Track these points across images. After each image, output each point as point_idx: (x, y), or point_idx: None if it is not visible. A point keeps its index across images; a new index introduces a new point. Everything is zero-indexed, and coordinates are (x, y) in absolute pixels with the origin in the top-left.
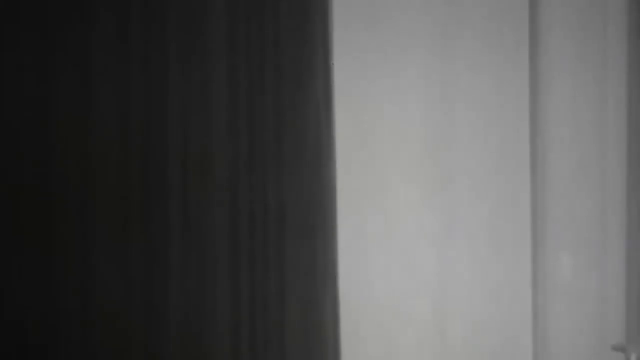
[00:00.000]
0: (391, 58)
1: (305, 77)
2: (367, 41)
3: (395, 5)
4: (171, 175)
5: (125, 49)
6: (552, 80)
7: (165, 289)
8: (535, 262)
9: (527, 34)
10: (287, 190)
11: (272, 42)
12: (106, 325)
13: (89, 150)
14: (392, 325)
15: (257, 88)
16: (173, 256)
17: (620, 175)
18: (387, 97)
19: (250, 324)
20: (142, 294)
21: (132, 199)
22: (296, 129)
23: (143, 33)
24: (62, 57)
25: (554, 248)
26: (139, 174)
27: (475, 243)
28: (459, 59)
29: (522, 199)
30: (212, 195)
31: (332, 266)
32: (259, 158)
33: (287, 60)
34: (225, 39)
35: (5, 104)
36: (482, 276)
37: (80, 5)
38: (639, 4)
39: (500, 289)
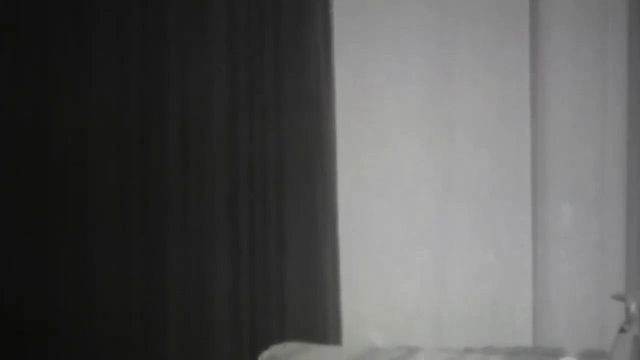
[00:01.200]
0: (391, 7)
1: (304, 27)
2: None
3: None
4: (170, 128)
5: None
6: (553, 29)
7: (165, 231)
8: (535, 212)
9: None
10: (286, 141)
11: None
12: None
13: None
14: (392, 274)
15: (255, 39)
16: (172, 206)
17: (620, 125)
18: (387, 47)
19: (250, 275)
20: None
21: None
22: (295, 78)
23: None
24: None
25: (553, 197)
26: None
27: (475, 192)
28: (459, 8)
29: (522, 148)
30: (211, 147)
31: (332, 216)
32: (257, 108)
33: (286, 5)
34: None
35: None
36: (482, 225)
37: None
38: None
39: (500, 238)
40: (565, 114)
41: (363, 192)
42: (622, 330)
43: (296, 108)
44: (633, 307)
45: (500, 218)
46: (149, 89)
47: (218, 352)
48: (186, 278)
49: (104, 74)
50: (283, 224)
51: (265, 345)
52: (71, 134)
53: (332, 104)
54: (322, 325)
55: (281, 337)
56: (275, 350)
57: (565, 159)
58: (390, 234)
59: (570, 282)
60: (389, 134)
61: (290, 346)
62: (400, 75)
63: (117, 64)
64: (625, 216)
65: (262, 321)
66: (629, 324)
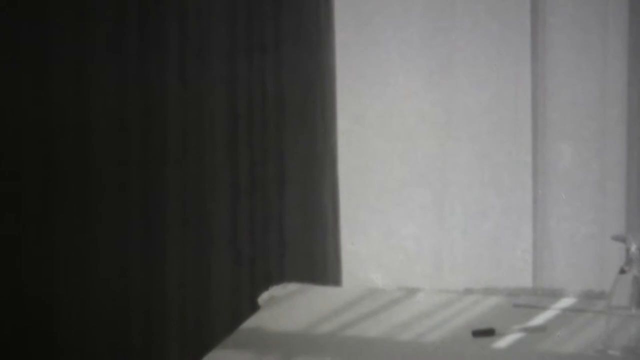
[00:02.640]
0: None
1: None
2: None
3: None
4: (170, 65)
5: None
6: None
7: (163, 168)
8: (535, 151)
9: None
10: (285, 77)
11: None
12: None
13: None
14: (392, 215)
15: None
16: (171, 144)
17: (621, 64)
18: None
19: (249, 215)
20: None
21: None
22: (295, 14)
23: None
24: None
25: (554, 137)
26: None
27: (476, 131)
28: None
29: (522, 87)
30: (210, 86)
31: (331, 153)
32: (257, 44)
33: None
34: None
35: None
36: (482, 165)
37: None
38: None
39: (500, 178)
40: (566, 53)
41: (363, 131)
42: (622, 271)
43: (296, 45)
44: (633, 248)
45: (500, 158)
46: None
47: (217, 293)
48: (185, 218)
49: None
50: (283, 163)
51: (265, 286)
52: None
53: (331, 41)
54: (322, 266)
55: (281, 278)
56: (275, 290)
57: (565, 98)
58: (390, 174)
59: (571, 222)
60: (388, 72)
61: (290, 287)
62: (400, 13)
63: None
64: (625, 156)
65: (262, 262)
66: (629, 264)
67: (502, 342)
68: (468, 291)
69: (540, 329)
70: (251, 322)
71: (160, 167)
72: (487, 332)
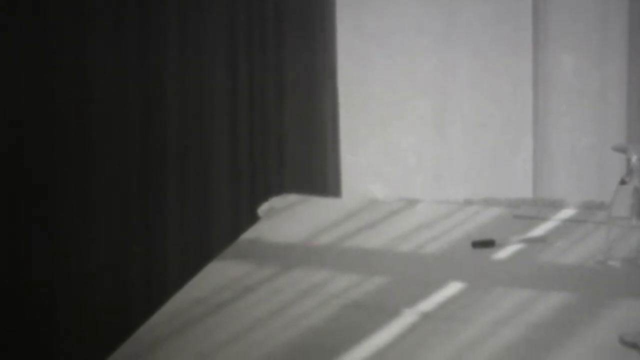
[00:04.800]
0: None
1: None
2: None
3: None
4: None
5: None
6: None
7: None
8: (536, 62)
9: None
10: None
11: None
12: None
13: None
14: (392, 126)
15: None
16: (170, 54)
17: None
18: None
19: (249, 126)
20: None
21: None
22: None
23: None
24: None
25: (555, 47)
26: None
27: (476, 42)
28: None
29: None
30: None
31: (331, 65)
32: None
33: None
34: None
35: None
36: (482, 76)
37: None
38: None
39: (501, 89)
40: None
41: (363, 44)
42: (622, 182)
43: None
44: (634, 159)
45: (500, 68)
46: None
47: (217, 203)
48: (186, 128)
49: None
50: (282, 76)
51: (265, 197)
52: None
53: None
54: (322, 177)
55: (280, 189)
56: (275, 202)
57: (567, 8)
58: (389, 86)
59: (571, 133)
60: None
61: (290, 198)
62: None
63: None
64: (626, 67)
65: (262, 173)
66: (630, 175)
67: (501, 253)
68: (468, 202)
69: (540, 240)
70: (251, 233)
71: (160, 66)
72: (487, 243)
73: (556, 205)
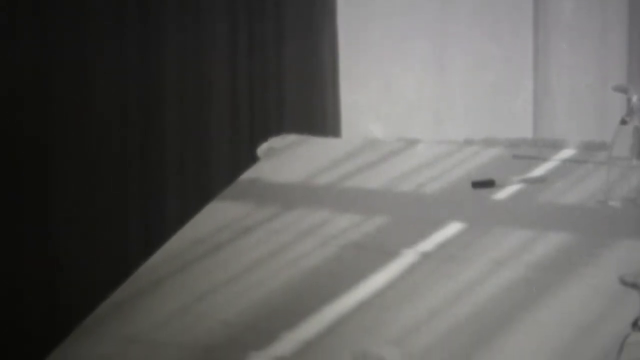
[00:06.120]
0: None
1: None
2: None
3: None
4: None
5: None
6: None
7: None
8: (536, 2)
9: None
10: None
11: None
12: None
13: None
14: (391, 66)
15: None
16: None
17: None
18: None
19: (248, 68)
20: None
21: None
22: None
23: None
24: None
25: None
26: None
27: None
28: None
29: None
30: None
31: (330, 7)
32: None
33: None
34: None
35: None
36: (482, 16)
37: None
38: None
39: (501, 29)
40: None
41: None
42: (623, 122)
43: None
44: (634, 99)
45: (500, 8)
46: None
47: (217, 144)
48: (185, 70)
49: None
50: (281, 15)
51: (264, 137)
52: None
53: None
54: (321, 117)
55: (280, 129)
56: (274, 142)
57: None
58: (389, 25)
59: (571, 72)
60: None
61: (289, 138)
62: None
63: None
64: (627, 6)
65: (261, 113)
66: (630, 115)
67: (501, 193)
68: (468, 142)
69: (540, 180)
70: (250, 173)
71: (159, 21)
72: (487, 183)
73: (556, 145)
